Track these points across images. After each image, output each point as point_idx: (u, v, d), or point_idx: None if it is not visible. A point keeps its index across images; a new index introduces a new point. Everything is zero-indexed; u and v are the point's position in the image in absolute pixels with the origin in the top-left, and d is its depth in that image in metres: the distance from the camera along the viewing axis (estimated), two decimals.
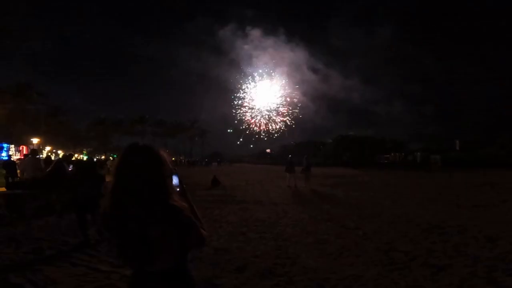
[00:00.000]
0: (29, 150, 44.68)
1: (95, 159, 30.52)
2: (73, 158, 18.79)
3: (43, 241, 5.08)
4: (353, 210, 8.21)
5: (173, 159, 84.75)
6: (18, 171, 12.87)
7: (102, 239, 5.05)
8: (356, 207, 8.62)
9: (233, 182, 17.08)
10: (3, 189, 8.37)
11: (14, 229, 5.80)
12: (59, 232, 5.70)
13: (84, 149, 69.27)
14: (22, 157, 31.46)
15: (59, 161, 8.71)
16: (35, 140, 46.00)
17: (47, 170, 7.68)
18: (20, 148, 52.38)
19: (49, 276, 3.59)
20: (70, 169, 9.01)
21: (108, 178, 1.19)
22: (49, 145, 51.30)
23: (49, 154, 36.15)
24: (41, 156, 19.62)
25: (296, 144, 59.59)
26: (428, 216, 6.98)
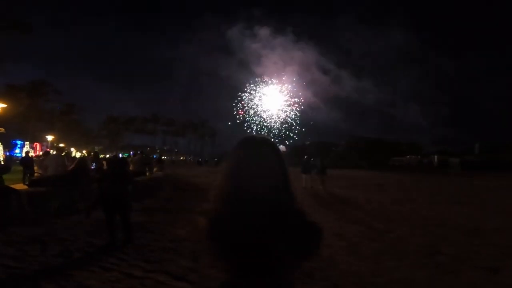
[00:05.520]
0: (43, 148, 45.40)
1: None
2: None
3: (68, 242, 4.86)
4: (377, 212, 7.93)
5: (182, 158, 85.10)
6: (35, 167, 13.02)
7: (129, 241, 4.83)
8: (379, 210, 8.34)
9: None
10: (22, 185, 8.34)
11: (37, 228, 5.63)
12: (83, 232, 5.47)
13: (96, 147, 70.11)
14: (36, 154, 31.88)
15: (82, 158, 8.65)
16: (49, 137, 46.64)
17: (70, 167, 7.62)
18: (34, 145, 53.24)
19: (82, 283, 3.35)
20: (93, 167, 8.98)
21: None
22: (63, 143, 51.98)
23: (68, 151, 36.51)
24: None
25: (308, 145, 59.05)
26: (461, 219, 6.68)
